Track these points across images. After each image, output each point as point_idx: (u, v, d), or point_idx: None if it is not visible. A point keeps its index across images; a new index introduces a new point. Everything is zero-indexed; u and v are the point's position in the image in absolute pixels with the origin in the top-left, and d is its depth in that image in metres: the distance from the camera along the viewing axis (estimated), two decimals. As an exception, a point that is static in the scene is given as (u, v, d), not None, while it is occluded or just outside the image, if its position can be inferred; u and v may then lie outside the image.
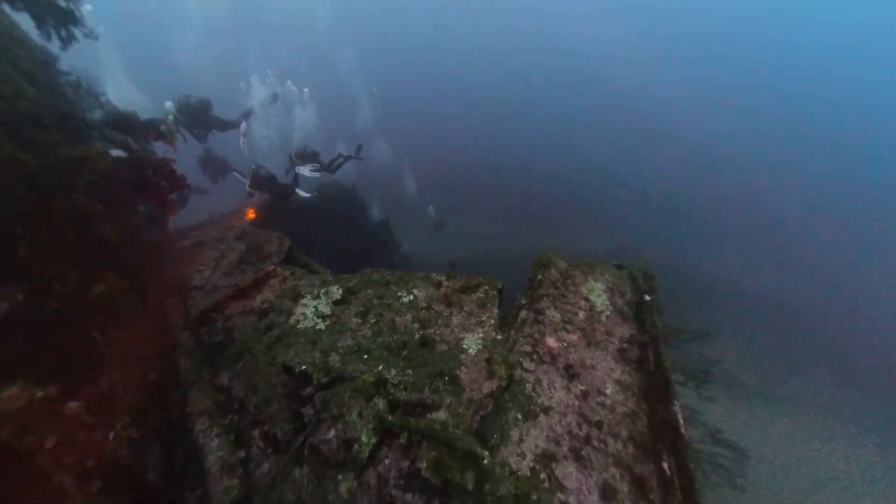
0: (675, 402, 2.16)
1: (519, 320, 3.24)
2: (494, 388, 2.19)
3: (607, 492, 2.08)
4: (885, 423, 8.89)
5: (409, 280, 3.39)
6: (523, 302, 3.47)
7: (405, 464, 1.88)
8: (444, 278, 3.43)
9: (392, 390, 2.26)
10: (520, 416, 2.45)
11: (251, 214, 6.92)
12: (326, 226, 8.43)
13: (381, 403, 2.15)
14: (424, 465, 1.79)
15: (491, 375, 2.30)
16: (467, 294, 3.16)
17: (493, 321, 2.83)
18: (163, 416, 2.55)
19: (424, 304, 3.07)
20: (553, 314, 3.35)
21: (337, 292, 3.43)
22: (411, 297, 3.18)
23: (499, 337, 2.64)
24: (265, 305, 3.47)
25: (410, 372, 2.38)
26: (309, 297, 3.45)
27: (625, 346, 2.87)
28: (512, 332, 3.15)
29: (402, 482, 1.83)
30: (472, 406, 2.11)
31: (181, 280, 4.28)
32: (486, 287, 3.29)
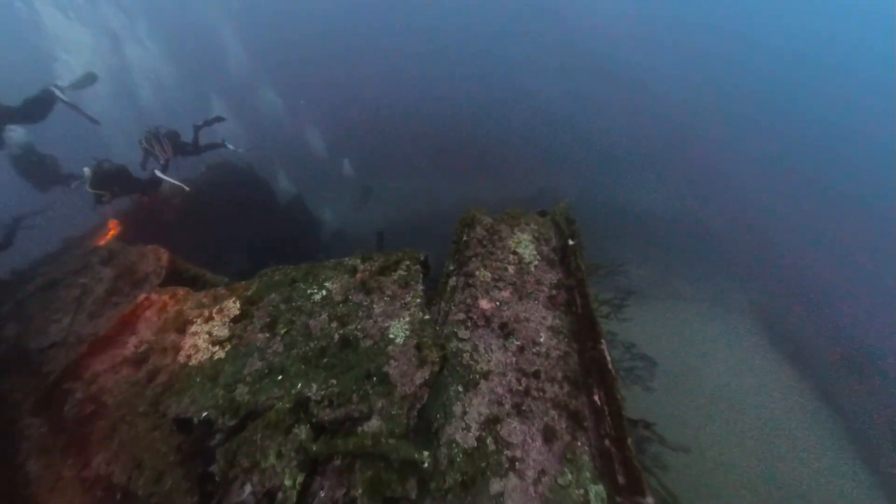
0: (602, 342, 2.23)
1: (449, 288, 3.03)
2: (427, 377, 1.98)
3: (548, 434, 2.16)
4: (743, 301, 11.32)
5: (318, 272, 2.85)
6: (451, 268, 3.23)
7: (341, 493, 1.63)
8: (359, 261, 2.96)
9: (315, 410, 1.91)
10: (461, 389, 2.35)
11: (114, 227, 5.29)
12: (225, 220, 6.96)
13: (303, 432, 1.79)
14: (360, 490, 1.56)
15: (422, 363, 2.07)
16: (387, 275, 2.78)
17: (418, 300, 2.54)
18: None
19: (340, 297, 2.62)
20: (483, 274, 3.20)
21: (234, 307, 2.76)
22: (324, 292, 2.69)
23: (426, 317, 2.39)
24: (142, 349, 2.68)
25: (335, 382, 2.03)
26: (199, 321, 2.73)
27: (553, 292, 2.88)
28: (443, 304, 2.95)
29: (338, 514, 1.59)
30: (405, 402, 1.89)
31: (20, 348, 3.15)
32: (407, 262, 2.93)
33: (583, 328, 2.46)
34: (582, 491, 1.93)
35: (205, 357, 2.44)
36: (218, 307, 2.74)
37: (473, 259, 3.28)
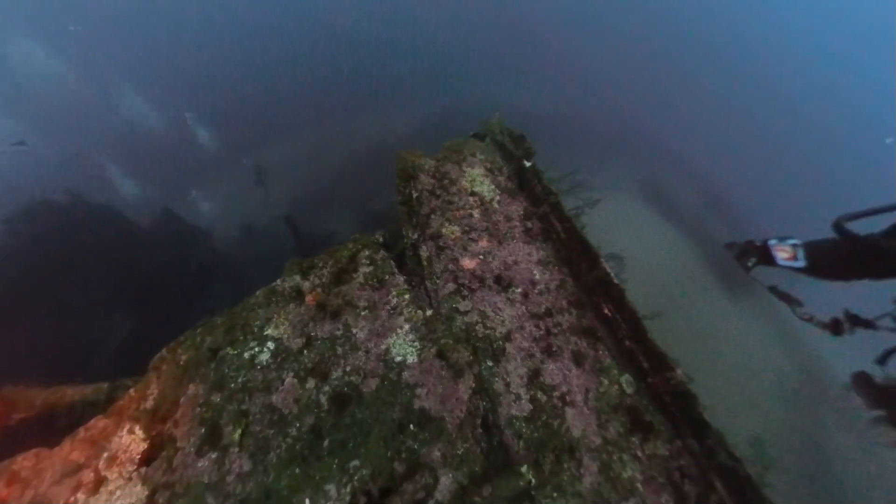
0: (602, 261, 2.17)
1: (424, 261, 2.42)
2: (474, 384, 1.56)
3: (578, 358, 2.17)
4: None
5: (246, 319, 1.72)
6: (414, 236, 2.54)
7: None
8: (297, 277, 1.94)
9: None
10: (491, 364, 2.06)
11: None
12: (71, 280, 3.97)
13: None
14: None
15: (457, 371, 1.61)
16: (348, 281, 1.93)
17: (406, 296, 1.88)
18: None
19: (299, 342, 1.69)
20: (451, 230, 2.63)
21: (135, 439, 1.52)
22: (270, 345, 1.70)
23: (429, 311, 1.82)
24: None
25: (357, 463, 1.37)
26: (83, 498, 1.44)
27: (528, 224, 2.61)
28: (427, 283, 2.37)
29: None
30: (467, 429, 1.46)
31: None
32: (367, 252, 2.10)
33: (572, 252, 2.37)
34: (616, 386, 2.10)
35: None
36: (107, 455, 1.46)
37: (433, 216, 2.62)
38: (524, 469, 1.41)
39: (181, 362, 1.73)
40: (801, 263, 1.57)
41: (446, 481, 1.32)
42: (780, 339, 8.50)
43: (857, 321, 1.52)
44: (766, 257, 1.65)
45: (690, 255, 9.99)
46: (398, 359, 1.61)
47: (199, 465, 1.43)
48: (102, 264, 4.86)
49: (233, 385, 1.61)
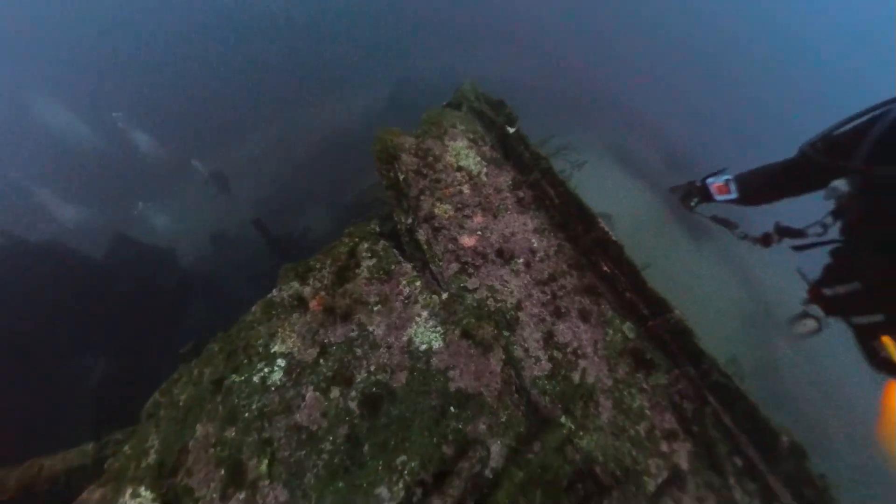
0: (599, 220, 2.20)
1: (423, 245, 2.33)
2: (503, 356, 1.58)
3: (584, 315, 2.27)
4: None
5: (246, 339, 1.56)
6: (408, 221, 2.41)
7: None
8: (295, 284, 1.78)
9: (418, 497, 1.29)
10: (507, 334, 2.09)
11: None
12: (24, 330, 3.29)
13: None
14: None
15: (485, 346, 1.61)
16: (352, 278, 1.80)
17: (417, 282, 1.81)
18: None
19: (312, 353, 1.58)
20: (443, 209, 2.52)
21: (141, 500, 1.39)
22: (280, 362, 1.55)
23: (444, 294, 1.76)
24: None
25: (405, 458, 1.34)
26: None
27: (520, 194, 2.56)
28: (432, 267, 2.29)
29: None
30: (505, 397, 1.50)
31: None
32: (366, 244, 1.96)
33: (567, 216, 2.37)
34: (620, 334, 2.26)
35: None
36: None
37: (422, 197, 2.49)
38: (563, 419, 1.49)
39: (180, 403, 1.49)
40: (734, 195, 1.74)
41: (497, 449, 1.34)
42: (741, 276, 9.71)
43: (786, 232, 1.65)
44: (706, 195, 1.81)
45: (659, 211, 10.50)
46: (423, 347, 1.57)
47: None
48: (58, 309, 4.17)
49: (247, 415, 1.42)
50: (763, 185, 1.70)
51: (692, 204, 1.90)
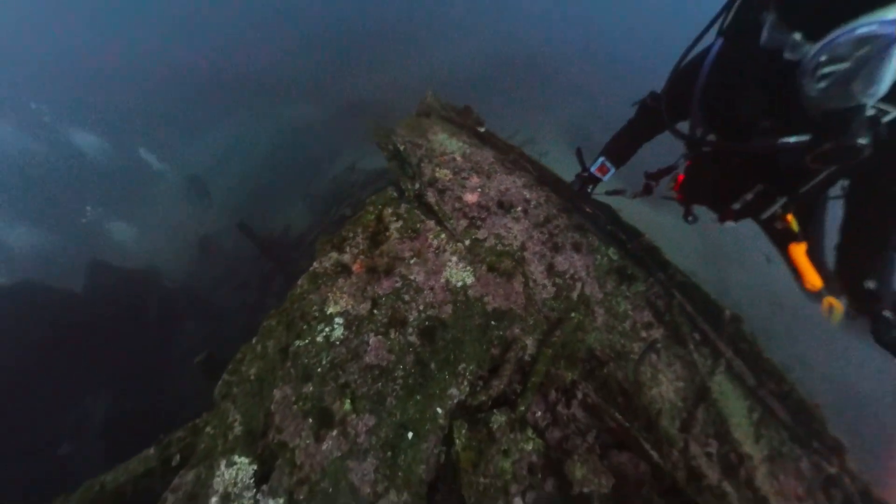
0: (569, 181, 2.53)
1: (435, 207, 2.53)
2: (524, 280, 1.89)
3: (577, 247, 2.68)
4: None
5: (299, 308, 1.67)
6: (416, 186, 2.58)
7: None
8: (334, 254, 1.93)
9: (482, 396, 1.60)
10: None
11: None
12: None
13: (500, 416, 1.51)
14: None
15: (508, 275, 1.91)
16: (385, 241, 1.97)
17: (442, 235, 2.04)
18: None
19: (366, 306, 1.79)
20: (443, 173, 2.71)
21: (239, 468, 1.49)
22: (338, 319, 1.70)
23: (466, 240, 2.02)
24: None
25: (463, 366, 1.58)
26: None
27: (506, 164, 2.84)
28: (447, 225, 2.51)
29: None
30: (530, 307, 1.83)
31: None
32: (390, 209, 2.12)
33: (547, 178, 2.73)
34: (605, 258, 2.70)
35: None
36: (216, 499, 1.38)
37: (422, 164, 2.68)
38: (573, 314, 1.88)
39: (252, 377, 1.63)
40: (612, 169, 2.08)
41: (531, 342, 1.71)
42: (696, 228, 11.04)
43: (657, 174, 1.85)
44: (595, 179, 2.12)
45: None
46: (459, 284, 1.84)
47: (325, 447, 1.46)
48: (40, 354, 3.81)
49: (319, 369, 1.60)
50: (625, 147, 1.99)
51: (590, 190, 2.20)
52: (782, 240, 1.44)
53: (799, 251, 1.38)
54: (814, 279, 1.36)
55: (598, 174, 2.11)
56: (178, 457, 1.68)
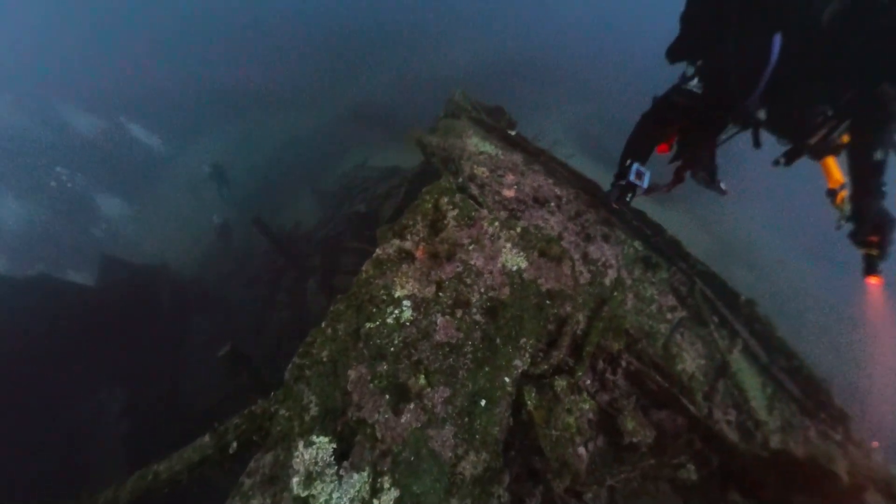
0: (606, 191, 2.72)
1: (480, 199, 2.67)
2: (573, 264, 2.07)
3: (605, 238, 2.88)
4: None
5: (366, 293, 1.78)
6: (458, 180, 2.72)
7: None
8: (396, 241, 2.03)
9: (542, 366, 1.77)
10: (555, 260, 2.61)
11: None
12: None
13: (562, 381, 1.70)
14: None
15: (557, 260, 2.07)
16: (443, 228, 2.10)
17: (496, 222, 2.19)
18: None
19: (430, 290, 1.91)
20: (481, 171, 2.87)
21: (319, 447, 1.52)
22: (406, 302, 1.75)
23: (518, 227, 2.17)
24: None
25: (525, 339, 1.70)
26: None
27: (534, 167, 3.03)
28: (494, 214, 2.66)
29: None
30: (578, 287, 2.00)
31: None
32: (445, 198, 2.25)
33: (572, 177, 2.95)
34: (632, 248, 2.81)
35: None
36: (297, 479, 1.43)
37: (462, 161, 2.83)
38: (616, 293, 2.06)
39: (324, 359, 1.68)
40: (648, 172, 2.23)
41: (581, 316, 1.88)
42: (702, 225, 11.52)
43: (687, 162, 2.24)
44: (634, 188, 2.30)
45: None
46: (514, 268, 1.99)
47: (403, 420, 1.54)
48: (58, 346, 3.72)
49: (392, 349, 1.68)
50: (649, 146, 2.25)
51: (629, 200, 2.34)
52: (823, 154, 1.81)
53: (832, 160, 1.83)
54: (838, 176, 1.79)
55: (638, 181, 2.25)
56: (234, 444, 1.69)
